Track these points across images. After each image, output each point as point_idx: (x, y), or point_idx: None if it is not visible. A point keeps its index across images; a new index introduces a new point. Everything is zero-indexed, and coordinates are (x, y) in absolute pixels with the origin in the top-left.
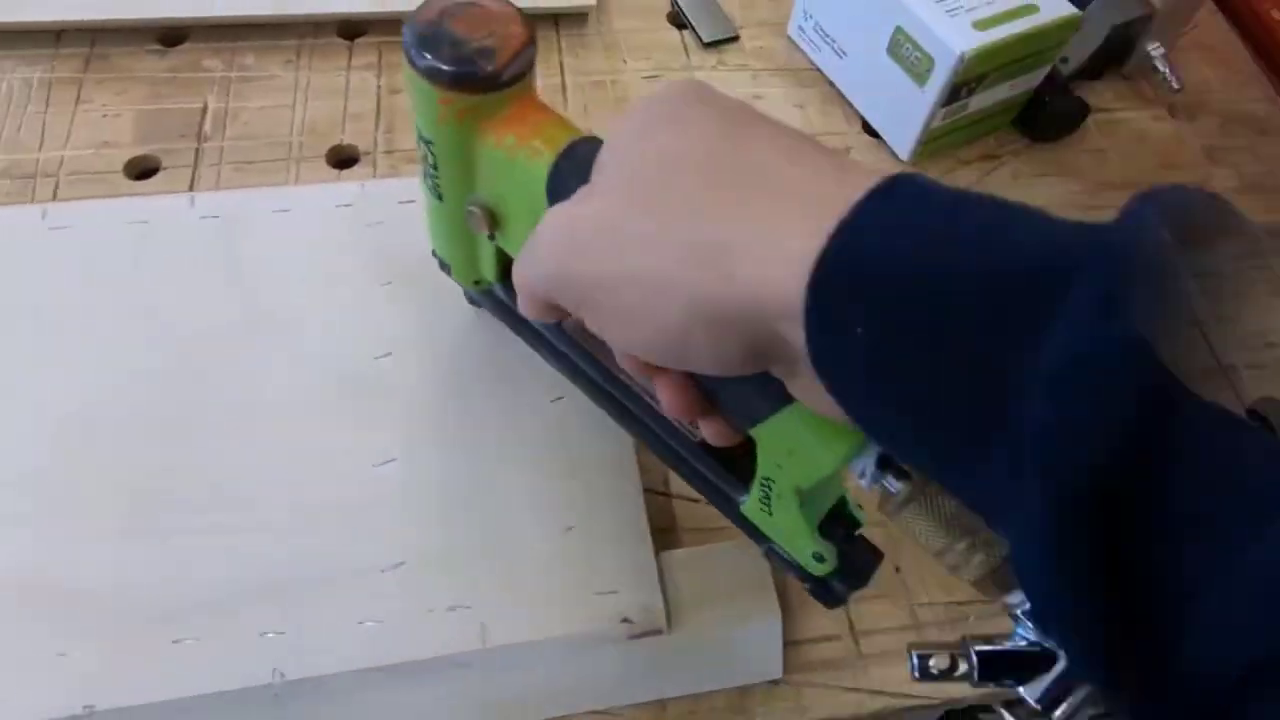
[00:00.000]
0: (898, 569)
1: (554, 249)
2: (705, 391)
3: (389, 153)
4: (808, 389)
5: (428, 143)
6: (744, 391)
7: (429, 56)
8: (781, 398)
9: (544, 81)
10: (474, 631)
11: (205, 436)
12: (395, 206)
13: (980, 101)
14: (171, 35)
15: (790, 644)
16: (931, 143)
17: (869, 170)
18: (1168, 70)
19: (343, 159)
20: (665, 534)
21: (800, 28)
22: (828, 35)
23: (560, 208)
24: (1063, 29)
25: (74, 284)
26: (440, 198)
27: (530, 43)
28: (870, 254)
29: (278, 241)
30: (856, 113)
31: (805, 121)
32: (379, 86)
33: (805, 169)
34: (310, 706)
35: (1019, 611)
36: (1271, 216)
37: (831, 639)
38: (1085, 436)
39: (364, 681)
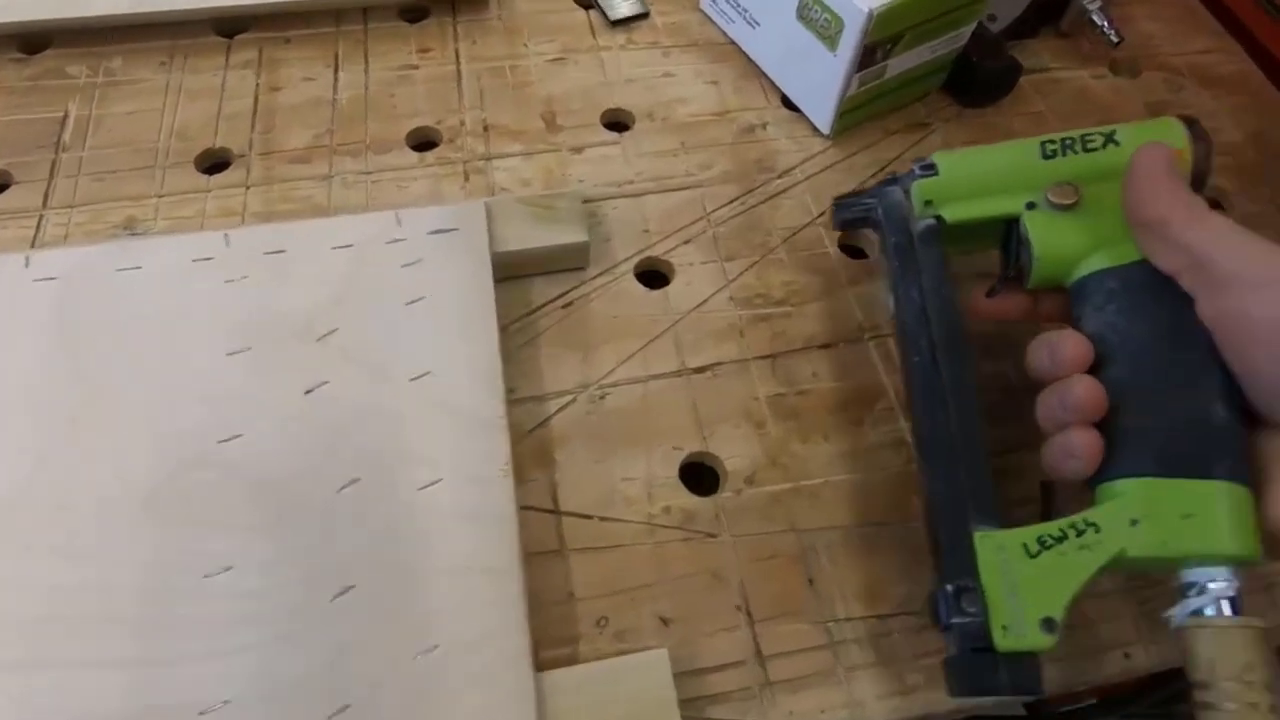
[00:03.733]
0: (811, 581)
1: None
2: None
3: (266, 154)
4: None
5: None
6: (1221, 443)
7: None
8: (1244, 478)
9: (439, 69)
10: None
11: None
12: (261, 258)
13: (900, 65)
14: (33, 41)
15: (684, 674)
16: (852, 113)
17: None
18: (1106, 24)
19: (215, 163)
20: (550, 556)
21: (711, 0)
22: (739, 4)
23: None
24: None
25: None
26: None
27: None
28: None
29: (121, 307)
30: (775, 87)
31: (720, 99)
32: (258, 85)
33: None
34: None
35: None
36: (1210, 179)
37: (733, 665)
38: None
39: None
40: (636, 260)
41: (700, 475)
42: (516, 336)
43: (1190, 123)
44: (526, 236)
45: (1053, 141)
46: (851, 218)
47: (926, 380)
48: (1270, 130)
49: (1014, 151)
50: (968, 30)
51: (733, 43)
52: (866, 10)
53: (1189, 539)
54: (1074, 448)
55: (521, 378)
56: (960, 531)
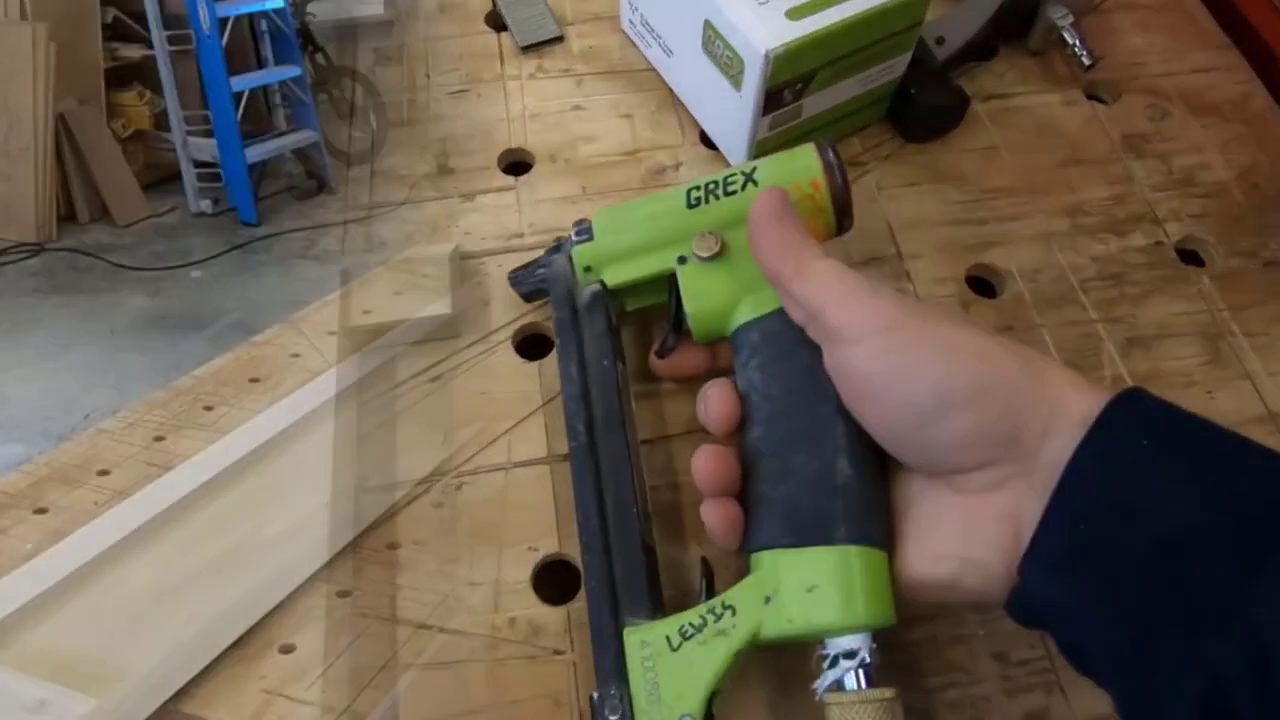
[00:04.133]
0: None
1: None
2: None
3: None
4: (983, 506)
5: None
6: (843, 504)
7: None
8: (871, 538)
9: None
10: None
11: None
12: None
13: (821, 103)
14: None
15: None
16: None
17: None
18: (1077, 43)
19: None
20: (379, 674)
21: (630, 21)
22: (654, 30)
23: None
24: (910, 9)
25: None
26: None
27: None
28: (1159, 404)
29: None
30: (695, 121)
31: (632, 135)
32: None
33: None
34: None
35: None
36: (1186, 227)
37: None
38: None
39: None
40: (517, 326)
41: (556, 577)
42: (376, 414)
43: (823, 149)
44: (389, 308)
45: (698, 188)
46: (530, 290)
47: (582, 466)
48: (1265, 166)
49: (662, 203)
50: (903, 61)
51: (654, 70)
52: (763, 52)
53: (813, 613)
54: (709, 520)
55: (374, 463)
56: (610, 628)
